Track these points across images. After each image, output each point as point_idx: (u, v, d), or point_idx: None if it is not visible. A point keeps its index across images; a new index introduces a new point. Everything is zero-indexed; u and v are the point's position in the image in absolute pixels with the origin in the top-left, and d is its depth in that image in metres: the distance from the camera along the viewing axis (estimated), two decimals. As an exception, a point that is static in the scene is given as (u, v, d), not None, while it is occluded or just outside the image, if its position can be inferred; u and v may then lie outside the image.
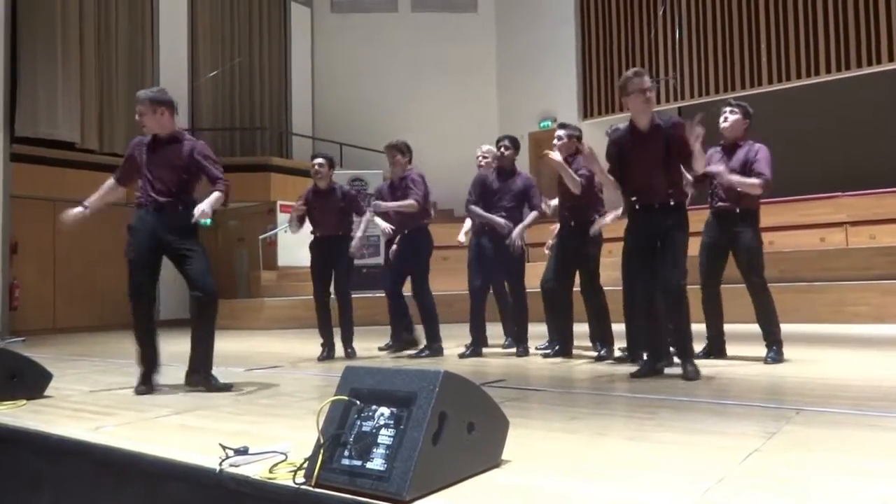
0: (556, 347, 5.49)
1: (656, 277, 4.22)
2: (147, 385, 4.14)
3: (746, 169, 4.69)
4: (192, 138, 4.40)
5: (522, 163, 14.41)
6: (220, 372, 4.29)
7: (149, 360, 4.19)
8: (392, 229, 5.91)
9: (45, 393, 3.95)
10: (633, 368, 4.43)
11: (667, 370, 4.23)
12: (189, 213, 4.09)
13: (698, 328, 4.47)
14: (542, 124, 13.82)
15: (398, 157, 5.82)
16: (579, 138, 5.40)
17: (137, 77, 12.75)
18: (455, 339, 6.09)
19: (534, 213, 5.67)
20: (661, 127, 4.14)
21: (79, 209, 4.29)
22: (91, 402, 3.81)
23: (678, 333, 4.13)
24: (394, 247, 5.93)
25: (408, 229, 5.80)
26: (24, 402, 3.68)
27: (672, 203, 4.12)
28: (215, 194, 4.19)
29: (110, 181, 4.41)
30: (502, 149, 5.70)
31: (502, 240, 5.52)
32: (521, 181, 5.71)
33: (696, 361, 4.54)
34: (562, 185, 5.28)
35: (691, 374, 3.97)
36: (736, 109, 4.82)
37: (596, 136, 12.24)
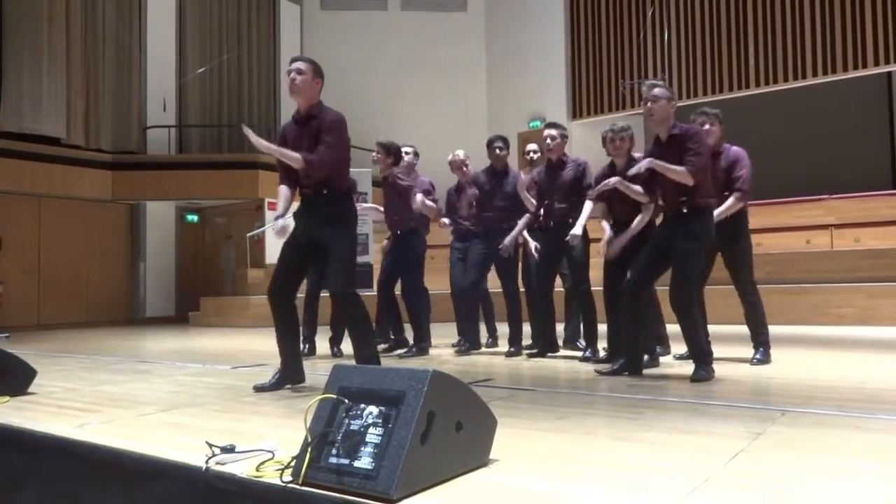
0: (542, 347, 5.50)
1: (653, 279, 4.27)
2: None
3: (728, 176, 4.69)
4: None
5: (511, 163, 14.45)
6: (205, 369, 4.26)
7: None
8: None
9: (29, 389, 3.90)
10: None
11: (668, 371, 4.31)
12: None
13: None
14: (531, 124, 13.83)
15: (381, 156, 5.77)
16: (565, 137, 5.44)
17: (124, 72, 12.68)
18: (442, 338, 6.09)
19: (526, 218, 5.61)
20: (676, 136, 4.10)
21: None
22: (75, 398, 3.78)
23: (690, 344, 4.12)
24: (385, 242, 6.06)
25: (401, 230, 5.80)
26: (8, 398, 3.64)
27: (685, 210, 4.05)
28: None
29: None
30: (497, 149, 5.80)
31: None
32: (514, 179, 5.71)
33: (682, 361, 4.58)
34: (550, 189, 5.30)
35: (702, 377, 3.95)
36: (711, 119, 4.76)
37: (585, 136, 12.33)
